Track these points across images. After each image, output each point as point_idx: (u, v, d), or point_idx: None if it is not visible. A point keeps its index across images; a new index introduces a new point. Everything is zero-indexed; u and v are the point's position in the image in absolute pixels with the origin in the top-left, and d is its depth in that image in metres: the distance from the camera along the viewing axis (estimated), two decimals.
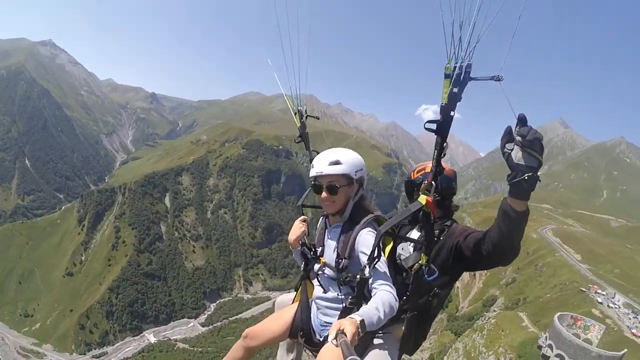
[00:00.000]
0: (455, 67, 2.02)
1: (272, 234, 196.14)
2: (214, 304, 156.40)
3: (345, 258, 2.67)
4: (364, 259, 2.57)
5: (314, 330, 3.00)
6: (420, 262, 2.66)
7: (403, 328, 2.73)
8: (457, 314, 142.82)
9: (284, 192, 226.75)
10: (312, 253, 3.03)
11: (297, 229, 3.10)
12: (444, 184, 3.03)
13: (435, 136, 2.25)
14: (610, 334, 67.60)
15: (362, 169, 2.77)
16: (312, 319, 3.03)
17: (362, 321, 2.02)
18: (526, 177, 1.89)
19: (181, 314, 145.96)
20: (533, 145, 1.84)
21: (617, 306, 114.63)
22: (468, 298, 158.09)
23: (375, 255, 2.54)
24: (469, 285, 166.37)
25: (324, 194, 2.73)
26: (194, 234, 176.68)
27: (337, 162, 2.66)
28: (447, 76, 2.06)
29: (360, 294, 2.54)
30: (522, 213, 2.08)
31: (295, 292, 3.37)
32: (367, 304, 2.35)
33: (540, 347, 64.24)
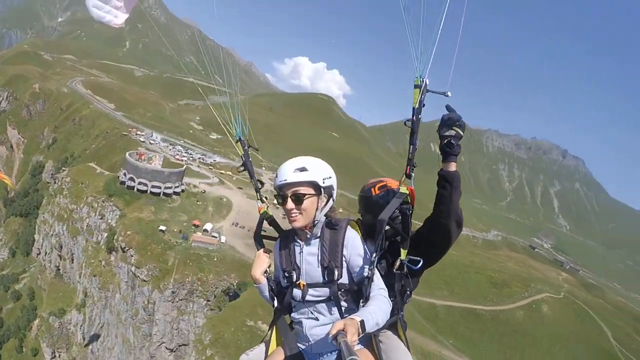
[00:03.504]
0: (422, 81, 2.83)
1: None
2: None
3: (338, 267, 2.62)
4: (359, 261, 2.66)
5: None
6: (400, 257, 2.88)
7: (398, 328, 2.95)
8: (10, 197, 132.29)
9: None
10: (285, 281, 2.81)
11: (262, 260, 2.93)
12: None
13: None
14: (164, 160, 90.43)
15: (330, 177, 2.67)
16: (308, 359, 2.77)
17: (362, 322, 2.08)
18: (445, 142, 2.78)
19: None
20: (454, 122, 2.76)
21: (157, 142, 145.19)
22: (13, 175, 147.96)
23: (380, 247, 2.69)
24: (10, 161, 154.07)
25: (289, 204, 2.60)
26: None
27: (303, 169, 2.56)
28: (416, 86, 2.84)
29: (367, 297, 2.57)
30: (455, 173, 2.83)
31: (263, 344, 3.03)
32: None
33: (123, 182, 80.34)
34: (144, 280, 61.17)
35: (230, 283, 62.77)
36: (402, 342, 2.79)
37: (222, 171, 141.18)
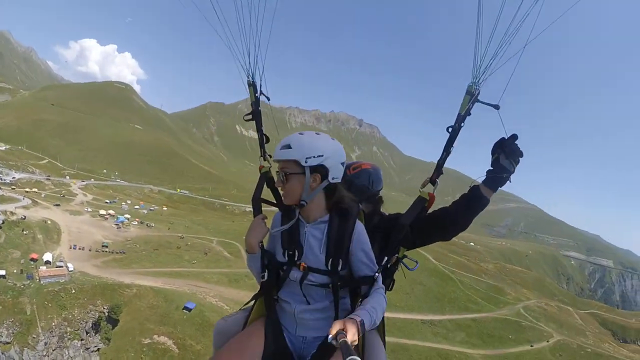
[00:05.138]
0: (477, 89, 2.65)
1: None
2: None
3: (342, 257, 2.47)
4: (363, 256, 2.51)
5: (292, 353, 2.65)
6: (398, 255, 2.86)
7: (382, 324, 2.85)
8: None
9: None
10: (285, 258, 2.61)
11: (260, 227, 2.69)
12: (363, 182, 3.30)
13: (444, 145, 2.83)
14: None
15: (321, 156, 2.40)
16: (289, 340, 2.65)
17: (361, 321, 2.04)
18: (505, 176, 2.64)
19: None
20: (516, 157, 2.60)
21: None
22: None
23: (393, 251, 2.70)
24: None
25: (277, 181, 2.57)
26: None
27: (287, 147, 2.42)
28: (468, 93, 2.69)
29: (366, 294, 2.48)
30: (488, 200, 2.79)
31: (242, 312, 2.88)
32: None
33: None
34: (7, 343, 49.34)
35: (99, 311, 57.46)
36: (381, 339, 2.77)
37: (27, 189, 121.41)
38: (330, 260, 2.47)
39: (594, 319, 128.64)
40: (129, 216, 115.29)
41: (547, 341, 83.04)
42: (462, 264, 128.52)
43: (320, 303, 2.56)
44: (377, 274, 2.49)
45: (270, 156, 3.08)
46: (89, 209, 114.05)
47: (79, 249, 78.11)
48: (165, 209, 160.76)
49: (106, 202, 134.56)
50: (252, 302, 2.84)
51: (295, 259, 2.56)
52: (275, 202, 2.91)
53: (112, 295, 58.99)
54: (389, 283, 2.91)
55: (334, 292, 2.49)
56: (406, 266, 2.91)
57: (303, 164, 2.39)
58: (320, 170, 2.44)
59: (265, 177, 3.07)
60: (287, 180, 2.46)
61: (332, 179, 2.48)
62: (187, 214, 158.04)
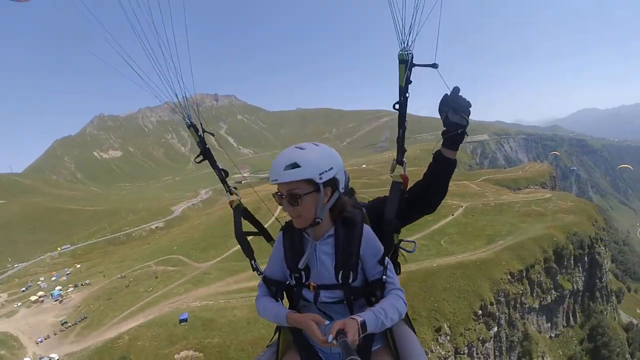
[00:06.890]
0: (408, 54, 2.35)
1: None
2: None
3: (353, 268, 2.38)
4: (374, 261, 2.42)
5: None
6: (394, 242, 2.71)
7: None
8: None
9: None
10: (293, 281, 2.53)
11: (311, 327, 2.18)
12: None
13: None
14: None
15: (331, 169, 2.28)
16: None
17: (363, 322, 1.99)
18: (459, 132, 2.46)
19: None
20: (464, 109, 2.39)
21: None
22: None
23: (390, 249, 2.53)
24: None
25: (285, 205, 2.32)
26: None
27: (294, 165, 2.20)
28: (401, 62, 2.37)
29: (381, 298, 2.38)
30: (454, 161, 2.64)
31: (271, 350, 2.73)
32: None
33: None
34: None
35: None
36: (409, 328, 2.70)
37: None
38: (340, 272, 2.38)
39: (488, 182, 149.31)
40: (60, 287, 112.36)
41: (462, 206, 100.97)
42: (366, 184, 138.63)
43: (344, 317, 2.29)
44: (384, 277, 2.38)
45: (236, 188, 3.00)
46: (19, 304, 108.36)
47: (45, 339, 77.58)
48: (78, 266, 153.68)
49: (22, 291, 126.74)
50: (276, 335, 2.76)
51: (303, 280, 2.48)
52: (257, 231, 2.94)
53: (110, 353, 61.91)
54: (395, 270, 2.72)
55: (348, 305, 2.41)
56: (405, 249, 2.79)
57: (318, 181, 2.24)
58: (332, 184, 2.33)
59: (239, 210, 2.94)
60: (300, 202, 2.27)
61: (341, 189, 2.40)
62: (102, 260, 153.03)
